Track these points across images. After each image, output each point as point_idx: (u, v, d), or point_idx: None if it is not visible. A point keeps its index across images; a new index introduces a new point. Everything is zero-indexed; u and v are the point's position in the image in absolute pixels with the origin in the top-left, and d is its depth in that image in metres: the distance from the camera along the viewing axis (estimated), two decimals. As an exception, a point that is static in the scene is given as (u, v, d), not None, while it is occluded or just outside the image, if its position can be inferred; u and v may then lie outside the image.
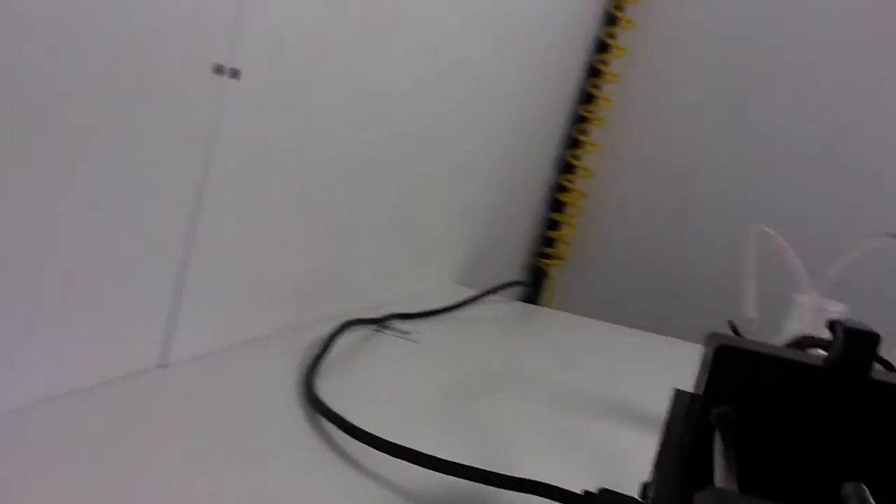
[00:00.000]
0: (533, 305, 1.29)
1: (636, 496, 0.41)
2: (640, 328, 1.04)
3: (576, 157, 1.40)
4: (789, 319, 0.63)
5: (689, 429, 0.30)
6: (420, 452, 0.44)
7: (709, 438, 0.30)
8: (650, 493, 0.31)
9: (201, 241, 0.55)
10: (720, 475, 0.23)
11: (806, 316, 0.62)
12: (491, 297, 0.99)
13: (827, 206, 1.27)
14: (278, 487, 0.42)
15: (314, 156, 0.67)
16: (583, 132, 1.39)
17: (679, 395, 0.40)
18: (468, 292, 0.96)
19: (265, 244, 0.63)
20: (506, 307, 1.04)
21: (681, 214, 1.38)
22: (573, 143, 1.40)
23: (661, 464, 0.30)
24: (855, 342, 0.29)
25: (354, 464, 0.46)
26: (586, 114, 1.39)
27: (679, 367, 0.88)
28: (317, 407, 0.52)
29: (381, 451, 0.45)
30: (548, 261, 1.41)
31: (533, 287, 1.41)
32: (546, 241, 1.42)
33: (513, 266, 1.37)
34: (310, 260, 0.71)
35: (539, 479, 0.42)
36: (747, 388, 0.30)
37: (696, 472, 0.30)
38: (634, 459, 0.55)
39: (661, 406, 0.68)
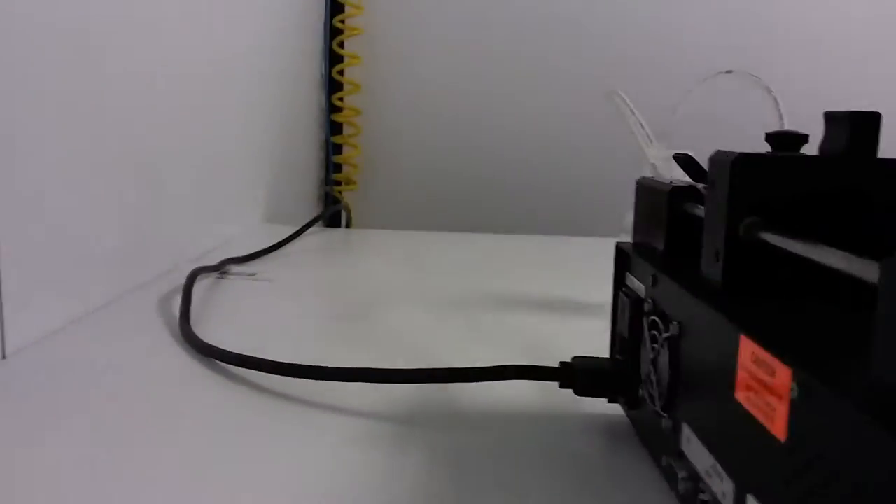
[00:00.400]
0: (348, 229, 1.24)
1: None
2: (452, 230, 1.05)
3: (340, 73, 1.33)
4: (641, 173, 0.65)
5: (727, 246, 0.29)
6: (375, 369, 0.39)
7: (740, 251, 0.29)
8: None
9: (5, 210, 0.44)
10: (841, 256, 0.22)
11: (657, 167, 0.64)
12: (309, 230, 0.93)
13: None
14: (225, 447, 0.35)
15: (95, 84, 0.56)
16: (341, 45, 1.33)
17: (649, 252, 0.38)
18: (281, 230, 0.90)
19: (75, 202, 0.53)
20: (325, 236, 0.99)
21: (456, 113, 1.37)
22: (334, 58, 1.33)
23: (698, 292, 0.29)
24: (860, 125, 0.29)
25: (299, 401, 0.40)
26: (339, 25, 1.32)
27: (507, 254, 0.90)
28: (221, 357, 0.45)
29: (328, 380, 0.40)
30: (339, 187, 1.36)
31: (344, 213, 1.32)
32: (335, 167, 1.36)
33: (312, 197, 1.31)
34: (124, 215, 0.61)
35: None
36: (766, 194, 0.29)
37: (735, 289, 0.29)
38: (550, 337, 0.55)
39: (529, 288, 0.69)
